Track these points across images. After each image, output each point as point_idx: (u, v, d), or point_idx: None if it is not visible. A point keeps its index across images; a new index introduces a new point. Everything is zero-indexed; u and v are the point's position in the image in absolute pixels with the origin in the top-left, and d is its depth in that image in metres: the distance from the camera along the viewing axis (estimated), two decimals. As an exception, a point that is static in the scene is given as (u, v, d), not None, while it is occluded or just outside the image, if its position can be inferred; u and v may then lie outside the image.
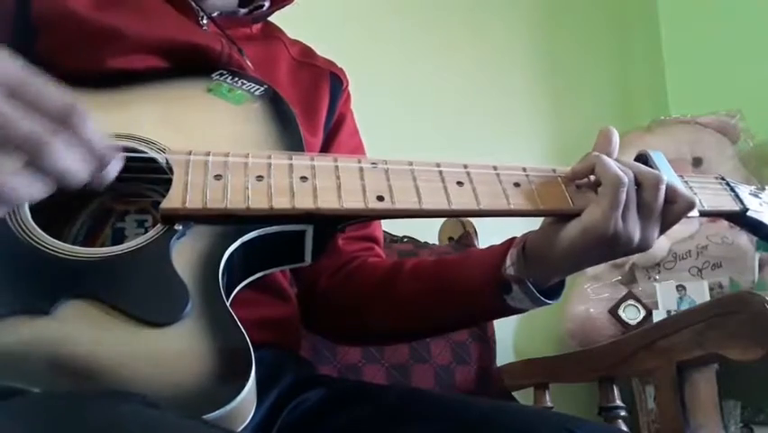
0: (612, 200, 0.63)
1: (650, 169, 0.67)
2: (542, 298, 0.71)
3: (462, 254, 0.80)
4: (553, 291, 0.73)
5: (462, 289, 0.76)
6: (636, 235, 0.65)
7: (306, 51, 0.93)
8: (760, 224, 0.72)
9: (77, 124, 0.46)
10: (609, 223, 0.63)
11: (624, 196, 0.63)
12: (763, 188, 0.75)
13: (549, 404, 1.36)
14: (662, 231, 0.67)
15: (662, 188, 0.65)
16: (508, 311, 0.74)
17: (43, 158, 0.45)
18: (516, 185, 0.66)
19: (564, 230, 0.66)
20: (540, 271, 0.70)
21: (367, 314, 0.84)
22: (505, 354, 1.57)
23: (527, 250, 0.70)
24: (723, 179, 0.75)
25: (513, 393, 1.42)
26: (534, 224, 0.71)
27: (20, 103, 0.45)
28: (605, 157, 0.66)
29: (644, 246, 0.66)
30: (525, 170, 0.68)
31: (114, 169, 0.51)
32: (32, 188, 0.45)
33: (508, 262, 0.72)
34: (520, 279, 0.70)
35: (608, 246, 0.65)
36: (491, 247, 0.77)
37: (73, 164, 0.46)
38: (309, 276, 0.88)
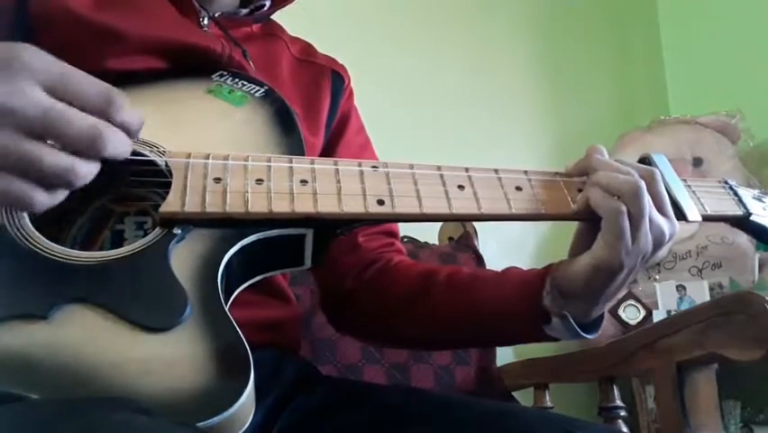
0: (616, 232, 0.63)
1: (645, 166, 0.67)
2: (581, 332, 0.70)
3: (499, 275, 0.78)
4: (593, 324, 0.72)
5: (500, 312, 0.75)
6: (650, 243, 0.65)
7: (307, 49, 0.93)
8: (763, 228, 0.72)
9: (117, 109, 0.51)
10: (620, 253, 0.63)
11: (626, 223, 0.63)
12: (766, 193, 0.75)
13: (549, 404, 1.36)
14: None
15: (659, 178, 0.66)
16: (544, 339, 0.74)
17: (99, 148, 0.49)
18: (518, 189, 0.66)
19: (580, 269, 0.66)
20: (575, 305, 0.69)
21: (398, 321, 0.83)
22: (505, 354, 1.57)
23: (557, 283, 0.70)
24: (726, 182, 0.75)
25: (513, 393, 1.42)
26: (535, 224, 0.71)
27: (65, 99, 0.48)
28: (596, 188, 0.65)
29: (662, 240, 0.66)
30: (526, 173, 0.68)
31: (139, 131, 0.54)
32: (89, 171, 0.50)
33: (545, 292, 0.71)
34: (562, 314, 0.69)
35: (629, 271, 0.65)
36: (529, 272, 0.75)
37: (122, 145, 0.51)
38: (333, 276, 0.87)
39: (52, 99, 0.48)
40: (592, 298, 0.68)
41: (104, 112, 0.50)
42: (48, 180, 0.48)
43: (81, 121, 0.48)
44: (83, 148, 0.49)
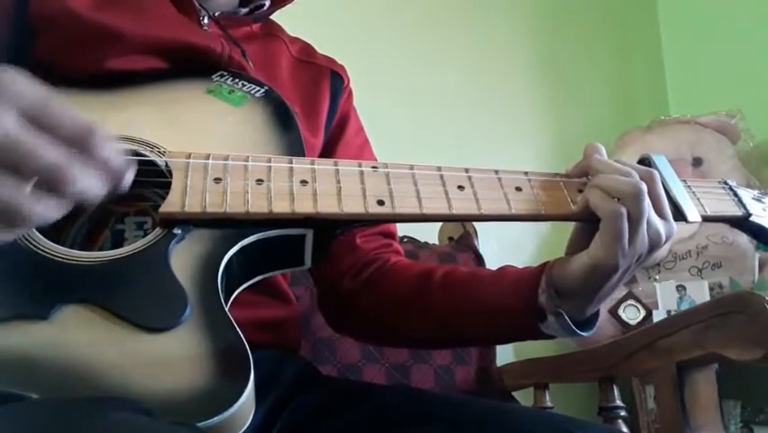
0: (614, 234, 0.63)
1: (644, 168, 0.67)
2: (576, 330, 0.70)
3: (496, 273, 0.78)
4: (588, 322, 0.72)
5: (496, 310, 0.75)
6: (646, 244, 0.65)
7: (307, 49, 0.93)
8: (762, 229, 0.72)
9: (95, 146, 0.47)
10: (617, 254, 0.63)
11: (625, 225, 0.63)
12: (766, 193, 0.75)
13: (549, 404, 1.36)
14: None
15: (658, 181, 0.66)
16: (540, 336, 0.74)
17: (65, 185, 0.45)
18: (518, 189, 0.66)
19: (577, 268, 0.66)
20: (570, 303, 0.69)
21: (396, 321, 0.84)
22: (505, 354, 1.57)
23: (553, 281, 0.70)
24: (726, 183, 0.75)
25: (513, 393, 1.42)
26: (535, 225, 0.71)
27: (39, 128, 0.45)
28: (596, 190, 0.65)
29: (659, 242, 0.66)
30: (526, 174, 0.68)
31: (128, 180, 0.51)
32: (51, 211, 0.46)
33: (540, 289, 0.71)
34: (557, 312, 0.70)
35: (624, 271, 0.65)
36: (526, 269, 0.76)
37: (91, 186, 0.47)
38: (330, 277, 0.88)
39: (24, 128, 0.45)
40: (588, 296, 0.68)
41: (79, 146, 0.47)
42: (3, 216, 0.44)
43: (45, 154, 0.45)
44: (47, 183, 0.45)
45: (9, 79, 0.46)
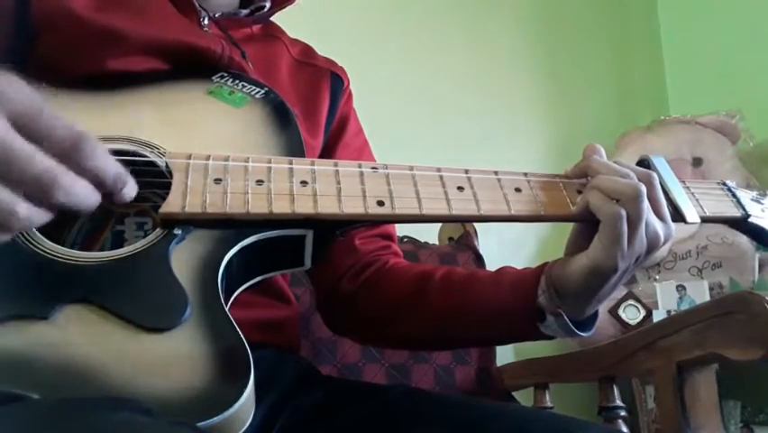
0: (613, 236, 0.63)
1: (643, 169, 0.68)
2: (576, 330, 0.71)
3: (494, 274, 0.79)
4: (587, 322, 0.72)
5: (496, 311, 0.75)
6: (645, 246, 0.65)
7: (307, 51, 0.93)
8: (761, 230, 0.72)
9: (88, 154, 0.47)
10: (616, 256, 0.63)
11: (624, 227, 0.63)
12: (765, 194, 0.75)
13: (549, 404, 1.36)
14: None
15: (657, 183, 0.66)
16: (539, 337, 0.74)
17: (54, 193, 0.45)
18: (518, 190, 0.66)
19: (576, 270, 0.66)
20: (569, 303, 0.70)
21: (395, 323, 0.84)
22: (505, 354, 1.58)
23: (552, 282, 0.70)
24: (725, 184, 0.75)
25: (513, 393, 1.42)
26: (535, 225, 0.71)
27: (31, 135, 0.45)
28: (596, 192, 0.65)
29: (657, 243, 0.66)
30: (526, 174, 0.68)
31: (130, 191, 0.51)
32: (40, 216, 0.46)
33: (540, 290, 0.71)
34: (556, 312, 0.70)
35: (622, 272, 0.65)
36: (525, 270, 0.76)
37: (82, 195, 0.47)
38: (329, 278, 0.88)
39: (14, 135, 0.44)
40: (587, 297, 0.68)
41: (72, 156, 0.46)
42: None
43: (36, 163, 0.44)
44: (32, 192, 0.45)
45: (3, 84, 0.46)
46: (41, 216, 0.46)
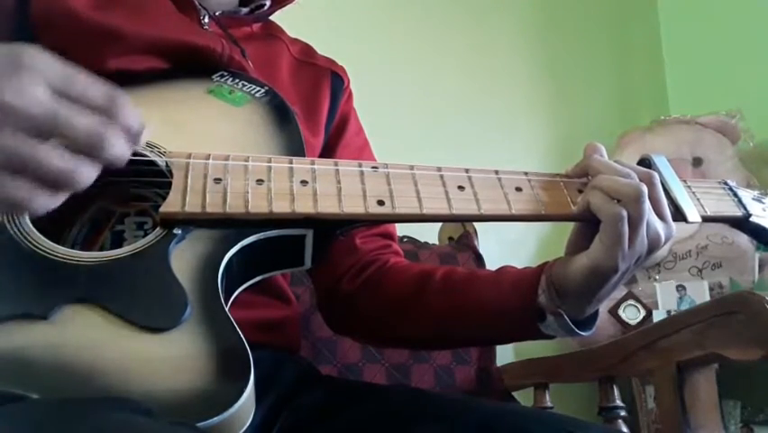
0: (613, 237, 0.63)
1: (644, 169, 0.67)
2: (576, 330, 0.70)
3: (494, 274, 0.78)
4: (588, 321, 0.72)
5: (496, 310, 0.75)
6: (646, 246, 0.65)
7: (307, 50, 0.93)
8: (762, 229, 0.72)
9: (120, 111, 0.50)
10: (617, 256, 0.63)
11: (625, 227, 0.63)
12: (766, 194, 0.75)
13: (549, 404, 1.36)
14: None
15: (658, 183, 0.66)
16: (539, 336, 0.74)
17: (102, 149, 0.49)
18: (518, 189, 0.66)
19: (576, 270, 0.66)
20: (570, 303, 0.69)
21: (395, 322, 0.84)
22: (505, 354, 1.57)
23: (553, 281, 0.70)
24: (726, 183, 0.75)
25: (513, 393, 1.42)
26: (535, 224, 0.71)
27: (69, 99, 0.48)
28: (597, 192, 0.65)
29: (658, 243, 0.66)
30: (526, 174, 0.68)
31: (144, 138, 0.54)
32: (91, 173, 0.49)
33: (540, 289, 0.71)
34: (556, 311, 0.70)
35: (623, 272, 0.65)
36: (525, 270, 0.76)
37: (125, 147, 0.51)
38: (329, 277, 0.88)
39: (56, 98, 0.47)
40: (587, 297, 0.68)
41: (107, 113, 0.50)
42: (49, 182, 0.47)
43: (84, 121, 0.48)
44: (86, 149, 0.48)
45: (34, 56, 0.48)
46: (94, 173, 0.49)
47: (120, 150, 0.50)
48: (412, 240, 1.46)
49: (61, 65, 0.49)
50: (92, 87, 0.49)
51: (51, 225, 0.60)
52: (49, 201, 0.48)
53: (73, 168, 0.48)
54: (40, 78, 0.47)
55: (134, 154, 0.61)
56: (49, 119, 0.47)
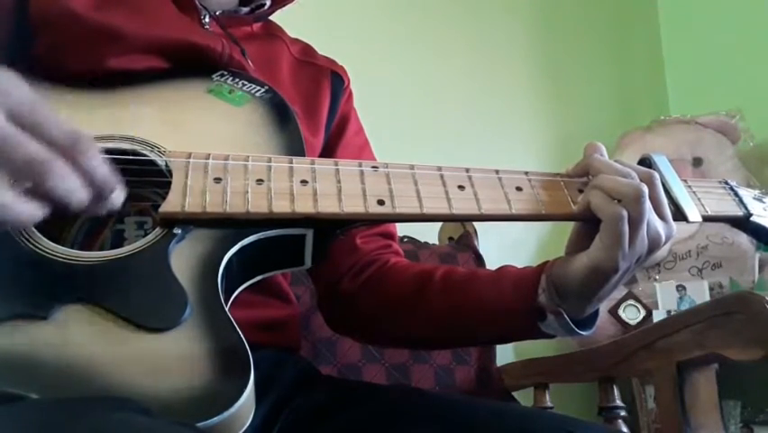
0: (614, 237, 0.63)
1: (645, 168, 0.67)
2: (576, 329, 0.70)
3: (494, 273, 0.79)
4: (587, 320, 0.72)
5: (496, 310, 0.75)
6: (646, 246, 0.65)
7: (307, 50, 0.93)
8: (763, 229, 0.72)
9: (81, 153, 0.47)
10: (617, 256, 0.63)
11: (625, 227, 0.63)
12: (767, 193, 0.75)
13: (549, 404, 1.36)
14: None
15: (658, 183, 0.66)
16: (539, 336, 0.74)
17: (44, 181, 0.45)
18: (519, 189, 0.66)
19: (577, 269, 0.66)
20: (570, 302, 0.69)
21: (395, 322, 0.84)
22: (505, 354, 1.57)
23: (553, 281, 0.70)
24: (727, 183, 0.75)
25: (513, 393, 1.42)
26: (535, 224, 0.71)
27: (24, 126, 0.46)
28: (597, 191, 0.65)
29: (658, 243, 0.66)
30: (527, 173, 0.67)
31: (117, 200, 0.51)
32: (32, 211, 0.46)
33: (540, 289, 0.71)
34: (557, 310, 0.70)
35: (623, 272, 0.65)
36: (525, 269, 0.76)
37: (73, 187, 0.47)
38: (329, 276, 0.88)
39: (8, 125, 0.45)
40: (587, 296, 0.68)
41: (66, 150, 0.47)
42: None
43: (28, 148, 0.45)
44: (25, 178, 0.45)
45: (3, 81, 0.46)
46: (33, 209, 0.46)
47: (69, 187, 0.46)
48: (412, 240, 1.46)
49: (26, 93, 0.47)
50: (53, 120, 0.47)
51: (51, 224, 0.60)
52: None
53: (8, 201, 0.44)
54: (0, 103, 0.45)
55: (135, 154, 0.62)
56: None
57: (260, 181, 0.59)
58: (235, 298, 0.62)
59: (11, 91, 0.46)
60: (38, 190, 0.46)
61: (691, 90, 2.30)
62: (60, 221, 0.63)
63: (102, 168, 0.49)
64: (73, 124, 0.48)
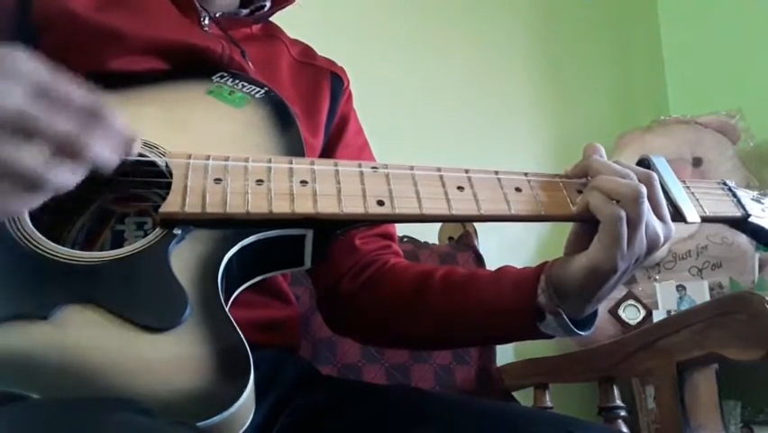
0: (612, 237, 0.63)
1: (643, 169, 0.67)
2: (575, 329, 0.71)
3: (494, 274, 0.79)
4: (586, 321, 0.72)
5: (495, 310, 0.75)
6: (645, 246, 0.65)
7: (307, 51, 0.93)
8: (762, 229, 0.72)
9: (105, 118, 0.49)
10: (616, 257, 0.63)
11: (624, 228, 0.63)
12: (765, 194, 0.75)
13: (549, 404, 1.36)
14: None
15: (657, 184, 0.66)
16: (539, 336, 0.74)
17: (82, 151, 0.48)
18: (518, 190, 0.66)
19: (576, 270, 0.66)
20: (569, 303, 0.70)
21: (395, 323, 0.84)
22: (505, 354, 1.57)
23: (552, 281, 0.70)
24: (725, 184, 0.75)
25: (513, 393, 1.42)
26: (535, 224, 0.71)
27: (51, 102, 0.47)
28: (596, 192, 0.65)
29: (657, 244, 0.66)
30: (526, 174, 0.68)
31: (136, 147, 0.54)
32: (68, 177, 0.48)
33: (539, 289, 0.71)
34: (556, 311, 0.70)
35: (622, 273, 0.65)
36: (524, 270, 0.76)
37: (105, 152, 0.50)
38: (329, 277, 0.88)
39: (36, 101, 0.47)
40: (586, 297, 0.68)
41: (90, 117, 0.49)
42: (25, 183, 0.46)
43: (63, 123, 0.47)
44: (65, 151, 0.47)
45: (17, 58, 0.47)
46: (72, 176, 0.48)
47: (102, 153, 0.49)
48: (412, 240, 1.47)
49: (47, 69, 0.48)
50: (75, 92, 0.49)
51: (52, 225, 0.60)
52: (24, 202, 0.47)
53: (49, 170, 0.46)
54: (21, 81, 0.46)
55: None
56: (25, 121, 0.46)
57: (259, 182, 0.59)
58: (235, 298, 0.62)
59: (30, 69, 0.47)
60: (75, 160, 0.48)
61: (691, 90, 2.30)
62: (61, 221, 0.63)
63: (124, 127, 0.51)
64: (92, 93, 0.50)
